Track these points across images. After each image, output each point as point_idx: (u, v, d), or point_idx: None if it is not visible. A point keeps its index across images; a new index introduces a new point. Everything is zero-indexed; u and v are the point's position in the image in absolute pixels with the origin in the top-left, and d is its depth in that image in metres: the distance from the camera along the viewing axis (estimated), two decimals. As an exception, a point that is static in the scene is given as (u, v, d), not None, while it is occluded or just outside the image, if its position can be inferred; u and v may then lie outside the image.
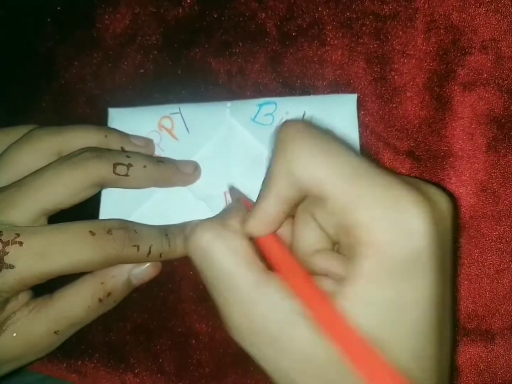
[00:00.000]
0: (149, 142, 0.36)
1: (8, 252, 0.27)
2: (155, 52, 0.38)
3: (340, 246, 0.26)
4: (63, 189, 0.30)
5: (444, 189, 0.24)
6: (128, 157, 0.32)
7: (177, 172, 0.34)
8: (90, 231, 0.29)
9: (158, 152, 0.36)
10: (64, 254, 0.28)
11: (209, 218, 0.26)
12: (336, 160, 0.22)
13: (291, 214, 0.26)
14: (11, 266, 0.27)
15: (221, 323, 0.32)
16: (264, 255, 0.25)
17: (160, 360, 0.34)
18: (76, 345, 0.34)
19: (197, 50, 0.38)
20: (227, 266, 0.23)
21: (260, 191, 0.25)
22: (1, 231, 0.28)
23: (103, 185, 0.32)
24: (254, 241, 0.25)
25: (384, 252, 0.20)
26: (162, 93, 0.38)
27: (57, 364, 0.35)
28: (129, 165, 0.32)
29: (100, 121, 0.37)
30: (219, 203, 0.35)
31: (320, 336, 0.21)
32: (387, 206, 0.21)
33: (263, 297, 0.22)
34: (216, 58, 0.38)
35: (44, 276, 0.28)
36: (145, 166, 0.32)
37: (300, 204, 0.27)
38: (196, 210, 0.35)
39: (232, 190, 0.34)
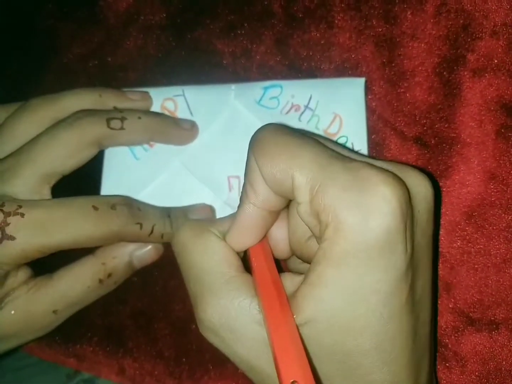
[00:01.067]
0: (145, 95, 0.35)
1: (9, 223, 0.27)
2: (159, 32, 0.38)
3: None
4: (60, 151, 0.30)
5: (426, 174, 0.24)
6: (121, 111, 0.32)
7: (174, 125, 0.34)
8: (93, 206, 0.29)
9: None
10: (66, 227, 0.28)
11: (200, 220, 0.27)
12: (301, 153, 0.22)
13: (275, 221, 0.26)
14: (12, 238, 0.27)
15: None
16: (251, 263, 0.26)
17: (160, 345, 0.33)
18: (75, 329, 0.34)
19: (202, 30, 0.37)
20: (202, 261, 0.25)
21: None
22: (3, 202, 0.28)
23: (100, 143, 0.32)
24: None
25: (346, 234, 0.20)
26: (165, 75, 0.37)
27: (55, 348, 0.35)
28: (123, 118, 0.32)
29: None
30: (223, 187, 0.34)
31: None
32: (351, 188, 0.20)
33: (230, 293, 0.23)
34: (220, 39, 0.37)
35: (45, 249, 0.28)
36: (139, 118, 0.32)
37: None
38: (200, 194, 0.34)
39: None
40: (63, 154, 0.30)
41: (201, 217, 0.33)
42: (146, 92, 0.35)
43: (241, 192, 0.25)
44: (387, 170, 0.21)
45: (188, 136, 0.35)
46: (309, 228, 0.23)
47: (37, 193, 0.30)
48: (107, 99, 0.33)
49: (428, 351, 0.24)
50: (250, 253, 0.26)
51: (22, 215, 0.27)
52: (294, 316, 0.21)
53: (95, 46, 0.38)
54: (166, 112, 0.35)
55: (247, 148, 0.33)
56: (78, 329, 0.34)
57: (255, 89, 0.35)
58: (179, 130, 0.34)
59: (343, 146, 0.27)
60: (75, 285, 0.31)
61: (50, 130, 0.30)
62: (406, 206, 0.21)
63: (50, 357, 0.35)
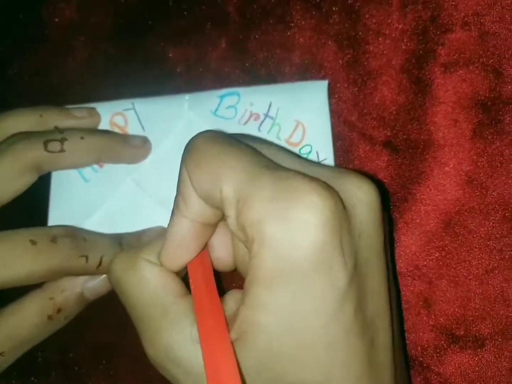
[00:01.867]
0: (91, 111, 0.33)
1: None
2: (106, 42, 0.35)
3: None
4: None
5: (370, 178, 0.21)
6: (61, 132, 0.30)
7: (122, 143, 0.31)
8: (30, 240, 0.27)
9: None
10: (3, 266, 0.26)
11: (127, 250, 0.26)
12: (232, 161, 0.20)
13: (211, 234, 0.24)
14: None
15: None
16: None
17: (121, 381, 0.31)
18: (31, 364, 0.31)
19: (152, 38, 0.35)
20: (138, 294, 0.23)
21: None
22: None
23: (39, 168, 0.29)
24: None
25: (272, 251, 0.18)
26: (115, 88, 0.34)
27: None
28: (62, 139, 0.29)
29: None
30: (181, 206, 0.32)
31: None
32: (278, 200, 0.18)
33: (169, 325, 0.22)
34: (172, 46, 0.34)
35: None
36: (82, 138, 0.30)
37: None
38: (155, 215, 0.32)
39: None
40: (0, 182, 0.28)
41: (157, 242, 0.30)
42: (93, 108, 0.33)
43: (173, 205, 0.23)
44: (319, 179, 0.19)
45: (139, 154, 0.32)
46: (243, 244, 0.21)
47: None
48: (49, 119, 0.31)
49: (392, 380, 0.21)
50: (189, 270, 0.24)
51: None
52: (233, 341, 0.19)
53: (40, 62, 0.36)
54: (116, 128, 0.33)
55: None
56: (34, 364, 0.32)
57: (211, 98, 0.33)
58: (129, 148, 0.31)
59: (298, 156, 0.24)
60: (21, 324, 0.29)
61: None
62: (339, 217, 0.18)
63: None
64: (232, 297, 0.23)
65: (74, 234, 0.28)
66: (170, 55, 0.34)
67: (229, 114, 0.32)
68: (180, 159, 0.22)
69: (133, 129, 0.33)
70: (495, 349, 0.29)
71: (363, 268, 0.20)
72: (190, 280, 0.23)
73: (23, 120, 0.30)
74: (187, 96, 0.33)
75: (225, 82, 0.33)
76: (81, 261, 0.28)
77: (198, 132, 0.32)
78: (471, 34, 0.31)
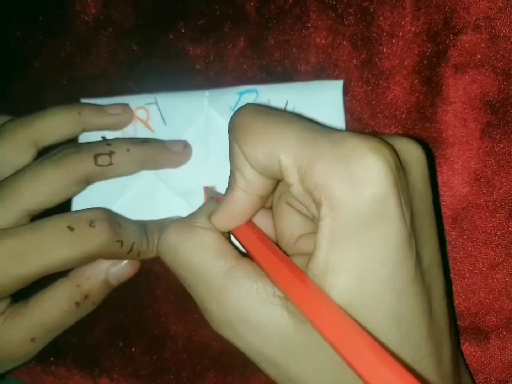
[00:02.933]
0: (126, 108, 0.34)
1: None
2: (129, 38, 0.36)
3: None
4: (44, 189, 0.28)
5: (417, 140, 0.23)
6: (108, 145, 0.30)
7: (165, 151, 0.32)
8: (68, 226, 0.27)
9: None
10: (42, 254, 0.26)
11: (177, 219, 0.26)
12: (284, 130, 0.21)
13: (263, 204, 0.25)
14: None
15: (198, 324, 0.31)
16: (241, 244, 0.25)
17: (136, 363, 0.32)
18: (50, 348, 0.32)
19: (174, 35, 0.36)
20: (197, 260, 0.23)
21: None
22: None
23: (88, 180, 0.30)
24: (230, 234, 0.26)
25: (341, 210, 0.19)
26: (136, 82, 0.36)
27: (32, 367, 0.34)
28: (111, 153, 0.30)
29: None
30: (198, 198, 0.33)
31: (290, 313, 0.21)
32: (338, 161, 0.19)
33: (235, 285, 0.22)
34: (193, 43, 0.36)
35: (24, 280, 0.27)
36: (128, 150, 0.31)
37: (274, 195, 0.27)
38: (174, 205, 0.33)
39: (207, 189, 0.32)
40: (48, 192, 0.29)
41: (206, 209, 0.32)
42: (126, 105, 0.34)
43: (229, 177, 0.24)
44: (377, 138, 0.20)
45: (181, 159, 0.33)
46: (306, 207, 0.22)
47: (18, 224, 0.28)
48: (87, 117, 0.32)
49: (447, 328, 0.23)
50: (236, 236, 0.25)
51: None
52: None
53: (65, 56, 0.37)
54: (138, 121, 0.34)
55: (224, 155, 0.32)
56: (53, 348, 0.33)
57: (230, 94, 0.34)
58: (171, 155, 0.33)
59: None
60: (51, 311, 0.29)
61: (35, 166, 0.29)
62: (397, 171, 0.20)
63: (28, 376, 0.34)
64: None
65: (111, 218, 0.29)
66: (190, 52, 0.36)
67: (247, 110, 0.33)
68: (228, 135, 0.24)
69: (154, 122, 0.34)
70: (499, 342, 0.30)
71: (417, 220, 0.21)
72: (243, 244, 0.24)
73: (62, 119, 0.31)
74: (207, 92, 0.34)
75: (242, 79, 0.35)
76: (116, 246, 0.28)
77: (216, 127, 0.34)
78: (482, 36, 0.32)
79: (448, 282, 0.30)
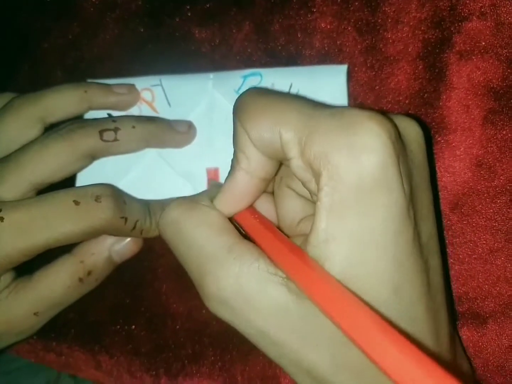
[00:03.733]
0: (131, 88, 0.34)
1: None
2: (136, 21, 0.37)
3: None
4: (51, 163, 0.29)
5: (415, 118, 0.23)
6: (114, 121, 0.31)
7: (170, 130, 0.33)
8: (74, 201, 0.27)
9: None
10: (47, 227, 0.27)
11: (182, 197, 0.26)
12: (285, 106, 0.22)
13: (265, 188, 0.26)
14: None
15: (199, 302, 0.31)
16: (243, 229, 0.25)
17: (136, 341, 0.32)
18: (51, 325, 0.33)
19: (180, 18, 0.36)
20: (199, 235, 0.23)
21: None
22: None
23: (93, 155, 0.31)
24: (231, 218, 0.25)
25: (341, 178, 0.19)
26: (142, 64, 0.36)
27: (33, 344, 0.34)
28: (116, 129, 0.30)
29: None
30: (201, 179, 0.33)
31: (291, 291, 0.20)
32: (338, 130, 0.20)
33: (236, 260, 0.22)
34: (199, 27, 0.36)
35: (29, 252, 0.27)
36: (133, 127, 0.31)
37: (274, 181, 0.27)
38: (177, 186, 0.33)
39: (212, 182, 0.32)
40: (53, 166, 0.29)
41: (211, 191, 0.32)
42: (132, 85, 0.34)
43: (232, 159, 0.24)
44: (371, 111, 0.21)
45: (185, 139, 0.33)
46: (304, 185, 0.22)
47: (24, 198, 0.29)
48: (93, 95, 0.32)
49: (444, 305, 0.23)
50: (238, 220, 0.25)
51: (2, 219, 0.26)
52: None
53: (71, 37, 0.37)
54: (143, 103, 0.35)
55: (227, 137, 0.33)
56: (54, 325, 0.33)
57: (234, 77, 0.34)
58: (175, 134, 0.33)
59: None
60: (55, 286, 0.30)
61: (42, 140, 0.29)
62: (397, 141, 0.20)
63: (29, 353, 0.35)
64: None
65: (116, 194, 0.29)
66: (196, 35, 0.36)
67: (251, 93, 0.34)
68: (232, 119, 0.24)
69: (159, 104, 0.34)
70: (497, 327, 0.30)
71: (415, 192, 0.21)
72: (245, 229, 0.24)
73: (69, 96, 0.32)
74: (211, 75, 0.34)
75: (247, 63, 0.35)
76: (121, 222, 0.28)
77: (220, 109, 0.34)
78: (487, 24, 0.32)
79: (445, 266, 0.30)
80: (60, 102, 0.31)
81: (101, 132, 0.30)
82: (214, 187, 0.27)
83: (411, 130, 0.22)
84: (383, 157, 0.19)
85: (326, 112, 0.21)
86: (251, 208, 0.26)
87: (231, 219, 0.25)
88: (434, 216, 0.23)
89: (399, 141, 0.20)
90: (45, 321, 0.31)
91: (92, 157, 0.31)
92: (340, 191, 0.19)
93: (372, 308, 0.18)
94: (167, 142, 0.33)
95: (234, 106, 0.24)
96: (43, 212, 0.27)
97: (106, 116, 0.34)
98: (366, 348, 0.16)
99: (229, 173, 0.24)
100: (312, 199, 0.25)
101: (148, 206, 0.31)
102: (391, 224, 0.19)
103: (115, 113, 0.34)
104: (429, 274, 0.21)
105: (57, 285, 0.30)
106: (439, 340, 0.22)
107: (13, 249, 0.26)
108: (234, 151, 0.24)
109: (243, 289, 0.21)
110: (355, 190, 0.19)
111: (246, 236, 0.24)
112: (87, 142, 0.30)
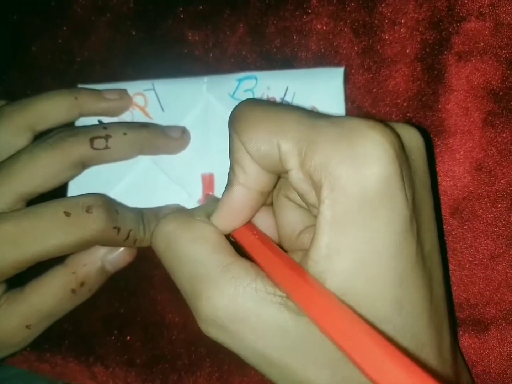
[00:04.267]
0: (123, 93, 0.33)
1: None
2: (128, 24, 0.36)
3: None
4: (40, 173, 0.28)
5: (415, 127, 0.23)
6: (105, 128, 0.30)
7: (163, 137, 0.32)
8: (64, 212, 0.27)
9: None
10: (37, 239, 0.26)
11: (175, 211, 0.26)
12: (283, 116, 0.21)
13: (263, 202, 0.25)
14: None
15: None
16: (241, 245, 0.24)
17: (131, 351, 0.32)
18: (45, 335, 0.32)
19: (172, 21, 0.36)
20: (193, 252, 0.22)
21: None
22: None
23: (84, 164, 0.30)
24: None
25: (343, 189, 0.19)
26: (134, 68, 0.35)
27: (27, 355, 0.34)
28: (107, 137, 0.30)
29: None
30: (196, 186, 0.33)
31: (290, 310, 0.20)
32: (340, 141, 0.19)
33: (231, 281, 0.20)
34: (192, 29, 0.35)
35: (19, 265, 0.27)
36: (125, 134, 0.30)
37: (273, 192, 0.26)
38: (171, 193, 0.33)
39: (209, 197, 0.32)
40: (43, 175, 0.28)
41: (207, 206, 0.31)
42: (124, 90, 0.34)
43: (229, 173, 0.24)
44: (372, 120, 0.20)
45: (178, 145, 0.33)
46: (302, 198, 0.22)
47: (13, 208, 0.28)
48: (83, 102, 0.32)
49: (446, 316, 0.22)
50: (236, 237, 0.24)
51: None
52: None
53: (62, 41, 0.37)
54: (136, 108, 0.34)
55: (222, 142, 0.32)
56: (48, 335, 0.32)
57: (229, 81, 0.33)
58: (168, 140, 0.32)
59: None
60: (47, 298, 0.29)
61: (31, 149, 0.29)
62: (400, 151, 0.19)
63: (23, 363, 0.34)
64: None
65: (108, 204, 0.28)
66: (189, 38, 0.35)
67: (246, 97, 0.33)
68: (228, 131, 0.23)
69: (152, 109, 0.34)
70: (498, 334, 0.29)
71: (417, 203, 0.20)
72: (243, 245, 0.23)
73: (59, 103, 0.31)
74: (205, 79, 0.34)
75: (242, 66, 0.34)
76: (113, 232, 0.28)
77: (215, 113, 0.33)
78: (486, 24, 0.32)
79: (446, 273, 0.30)
80: (50, 109, 0.31)
81: (91, 140, 0.29)
82: (211, 202, 0.26)
83: (413, 139, 0.22)
84: (386, 168, 0.18)
85: (326, 121, 0.20)
86: (249, 224, 0.25)
87: (228, 236, 0.24)
88: (436, 225, 0.23)
89: (402, 151, 0.20)
90: (38, 333, 0.30)
91: (83, 165, 0.30)
92: (342, 203, 0.19)
93: (372, 325, 0.17)
94: (160, 149, 0.32)
95: (230, 117, 0.23)
96: (34, 224, 0.27)
97: (97, 123, 0.33)
98: (366, 367, 0.16)
99: (226, 187, 0.24)
100: (310, 211, 0.24)
101: (142, 214, 0.30)
102: (394, 237, 0.19)
103: (106, 120, 0.33)
104: (432, 286, 0.21)
105: (49, 297, 0.29)
106: (442, 353, 0.21)
107: (3, 262, 0.26)
108: (231, 164, 0.23)
109: (238, 310, 0.20)
110: (358, 202, 0.19)
111: (243, 253, 0.23)
112: (78, 150, 0.29)
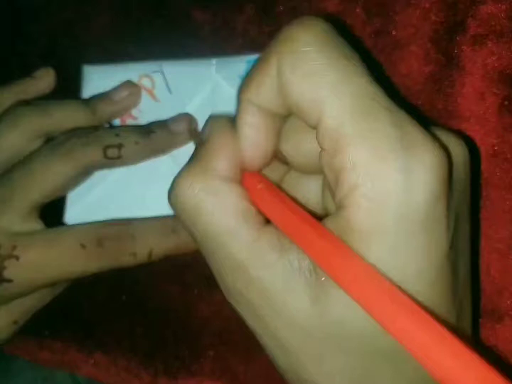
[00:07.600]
0: (131, 87, 0.33)
1: (6, 267, 0.27)
2: (132, 3, 0.35)
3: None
4: (54, 183, 0.29)
5: (461, 135, 0.21)
6: (117, 135, 0.30)
7: (172, 140, 0.31)
8: (81, 244, 0.28)
9: (135, 115, 0.33)
10: (58, 267, 0.28)
11: (188, 164, 0.21)
12: (339, 85, 0.18)
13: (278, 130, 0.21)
14: (10, 280, 0.27)
15: (199, 301, 0.29)
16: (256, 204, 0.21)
17: (133, 339, 0.31)
18: (45, 322, 0.32)
19: (179, 0, 0.35)
20: (222, 228, 0.19)
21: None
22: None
23: (95, 169, 0.31)
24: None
25: (384, 204, 0.17)
26: (140, 48, 0.34)
27: (27, 341, 0.33)
28: (120, 146, 0.30)
29: (74, 78, 0.33)
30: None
31: (315, 302, 0.18)
32: (396, 149, 0.17)
33: (259, 259, 0.19)
34: (199, 9, 0.34)
35: (39, 287, 0.29)
36: (137, 143, 0.30)
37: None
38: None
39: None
40: (56, 186, 0.29)
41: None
42: (131, 82, 0.33)
43: (237, 95, 0.21)
44: (432, 134, 0.18)
45: (185, 140, 0.32)
46: (327, 179, 0.19)
47: (29, 221, 0.29)
48: (99, 111, 0.32)
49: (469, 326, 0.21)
50: (253, 197, 0.21)
51: (17, 258, 0.27)
52: None
53: (65, 22, 0.36)
54: (143, 90, 0.33)
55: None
56: (49, 321, 0.32)
57: (238, 63, 0.33)
58: (178, 139, 0.32)
59: None
60: (33, 295, 0.30)
61: (43, 159, 0.29)
62: (451, 175, 0.18)
63: (23, 350, 0.33)
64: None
65: (120, 234, 0.29)
66: (196, 17, 0.34)
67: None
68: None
69: (159, 91, 0.33)
70: (513, 324, 0.29)
71: (457, 225, 0.19)
72: (262, 204, 0.20)
73: (77, 113, 0.31)
74: (214, 61, 0.33)
75: (251, 47, 0.33)
76: (129, 258, 0.29)
77: (223, 96, 0.32)
78: (502, 7, 0.31)
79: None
80: (69, 118, 0.31)
81: (105, 149, 0.29)
82: (223, 138, 0.21)
83: (459, 153, 0.20)
84: (435, 194, 0.17)
85: (386, 115, 0.17)
86: (258, 175, 0.22)
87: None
88: (470, 247, 0.21)
89: (452, 174, 0.18)
90: (22, 324, 0.31)
91: (94, 171, 0.31)
92: (376, 218, 0.17)
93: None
94: (168, 150, 0.32)
95: (283, 29, 0.19)
96: (55, 253, 0.28)
97: None
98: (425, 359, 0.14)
99: (237, 116, 0.21)
100: (323, 205, 0.23)
101: (172, 225, 0.29)
102: (428, 268, 0.17)
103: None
104: (463, 317, 0.20)
105: (35, 294, 0.30)
106: None
107: (26, 286, 0.28)
108: (244, 82, 0.21)
109: (267, 293, 0.19)
110: (397, 222, 0.17)
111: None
112: (91, 160, 0.29)
